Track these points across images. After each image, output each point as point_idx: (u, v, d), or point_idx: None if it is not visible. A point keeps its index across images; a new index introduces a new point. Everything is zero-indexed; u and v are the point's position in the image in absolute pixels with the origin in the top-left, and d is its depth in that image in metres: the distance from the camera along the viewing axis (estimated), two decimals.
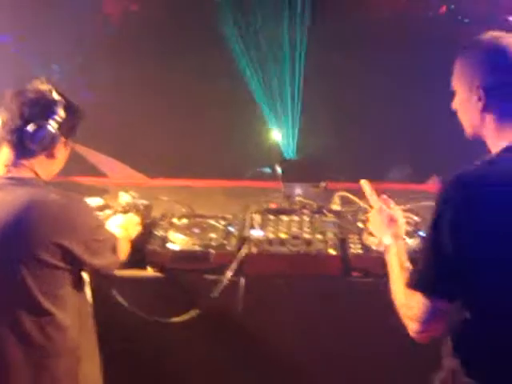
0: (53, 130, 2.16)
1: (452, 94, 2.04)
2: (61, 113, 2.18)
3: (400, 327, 1.97)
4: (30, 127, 2.13)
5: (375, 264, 2.65)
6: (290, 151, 4.74)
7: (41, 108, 2.16)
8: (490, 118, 1.90)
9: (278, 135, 4.82)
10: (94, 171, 4.49)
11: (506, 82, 1.86)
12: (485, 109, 1.89)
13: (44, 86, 2.21)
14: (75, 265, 2.18)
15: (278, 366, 2.83)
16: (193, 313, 2.65)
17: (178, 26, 5.15)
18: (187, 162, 4.48)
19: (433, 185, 3.00)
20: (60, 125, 2.18)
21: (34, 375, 2.15)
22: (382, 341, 2.70)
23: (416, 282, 1.87)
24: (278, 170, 3.43)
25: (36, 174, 2.20)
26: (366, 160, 4.99)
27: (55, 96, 2.19)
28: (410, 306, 1.87)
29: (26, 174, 2.17)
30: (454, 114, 2.05)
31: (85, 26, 5.03)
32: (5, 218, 2.05)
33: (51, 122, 2.16)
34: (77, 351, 2.25)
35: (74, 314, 2.23)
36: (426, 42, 5.31)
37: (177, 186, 3.81)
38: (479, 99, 1.89)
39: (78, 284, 2.27)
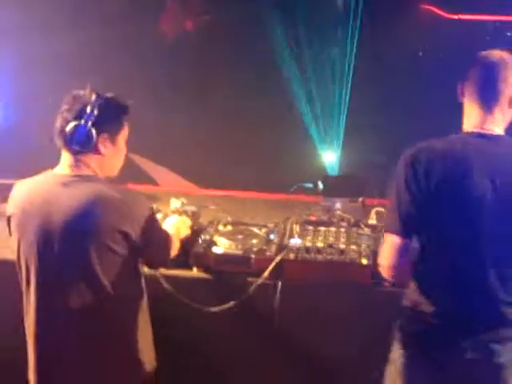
0: (86, 128, 2.35)
1: None
2: (94, 111, 2.36)
3: None
4: (67, 129, 2.36)
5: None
6: (332, 168, 4.91)
7: (75, 110, 2.37)
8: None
9: (323, 153, 4.99)
10: (147, 179, 4.73)
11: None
12: None
13: (83, 92, 2.42)
14: (133, 252, 2.40)
15: (304, 365, 3.01)
16: (230, 304, 2.86)
17: (231, 42, 5.31)
18: (236, 175, 4.68)
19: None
20: (95, 122, 2.35)
21: (94, 348, 2.40)
22: None
23: (385, 226, 2.44)
24: (320, 185, 3.63)
25: (94, 171, 2.43)
26: None
27: (92, 97, 2.38)
28: (382, 249, 2.41)
29: (86, 171, 2.41)
30: None
31: (141, 44, 5.21)
32: (73, 210, 2.30)
33: (84, 120, 2.35)
34: (130, 330, 2.48)
35: (130, 298, 2.48)
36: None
37: (224, 196, 4.01)
38: None
39: (135, 271, 2.50)
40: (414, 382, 2.46)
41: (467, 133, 2.40)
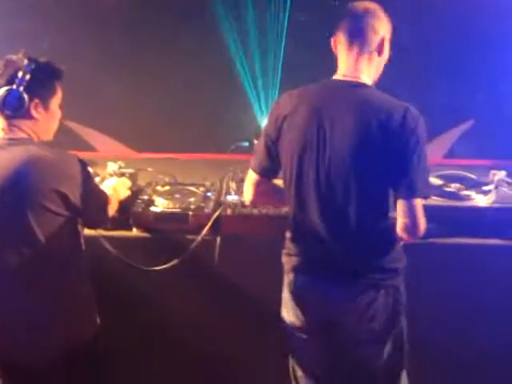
0: (17, 93, 2.38)
1: None
2: (26, 76, 2.38)
3: None
4: None
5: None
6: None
7: (7, 75, 2.40)
8: None
9: (257, 110, 5.03)
10: (84, 146, 4.72)
11: None
12: None
13: (15, 56, 2.44)
14: (72, 212, 2.44)
15: (248, 317, 3.13)
16: (173, 263, 2.94)
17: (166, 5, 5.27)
18: (172, 138, 4.71)
19: None
20: (26, 87, 2.38)
21: (36, 305, 2.44)
22: None
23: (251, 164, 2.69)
24: (255, 143, 3.70)
25: (28, 134, 2.46)
26: None
27: (25, 62, 2.40)
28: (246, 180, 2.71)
29: (20, 135, 2.44)
30: None
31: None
32: (7, 171, 2.33)
33: (15, 85, 2.38)
34: (74, 291, 2.54)
35: (72, 258, 2.53)
36: None
37: (162, 159, 4.06)
38: None
39: (75, 231, 2.55)
40: (288, 304, 2.68)
41: (330, 79, 2.56)
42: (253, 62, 5.12)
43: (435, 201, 3.07)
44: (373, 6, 2.51)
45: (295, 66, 5.16)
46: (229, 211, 3.02)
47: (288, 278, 2.66)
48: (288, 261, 2.66)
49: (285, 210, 2.99)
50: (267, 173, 2.64)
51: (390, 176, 2.39)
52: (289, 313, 2.68)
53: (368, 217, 2.46)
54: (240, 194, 3.15)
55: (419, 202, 2.39)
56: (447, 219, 3.03)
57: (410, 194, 2.38)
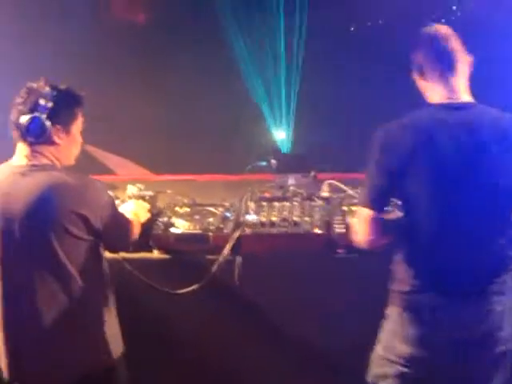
0: (40, 120, 2.44)
1: None
2: (48, 104, 2.45)
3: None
4: (22, 121, 2.45)
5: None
6: (284, 146, 5.02)
7: (30, 103, 2.46)
8: None
9: (275, 131, 5.08)
10: (103, 169, 4.78)
11: None
12: None
13: (36, 84, 2.50)
14: (93, 236, 2.48)
15: (269, 333, 3.13)
16: (195, 286, 2.95)
17: (180, 27, 5.33)
18: (190, 160, 4.75)
19: None
20: (49, 114, 2.45)
21: (60, 330, 2.46)
22: (365, 310, 3.00)
23: (358, 201, 2.62)
24: (273, 163, 3.73)
25: (51, 160, 2.51)
26: (351, 153, 5.29)
27: (46, 89, 2.47)
28: (357, 222, 2.55)
29: (42, 161, 2.49)
30: None
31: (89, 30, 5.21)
32: (31, 197, 2.38)
33: (38, 113, 2.44)
34: (99, 316, 2.56)
35: (96, 282, 2.56)
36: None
37: (180, 181, 4.09)
38: None
39: (98, 256, 2.58)
40: (408, 337, 2.58)
41: (434, 105, 2.52)
42: (269, 86, 5.19)
43: None
44: (443, 28, 2.56)
45: (310, 90, 5.22)
46: (248, 231, 3.04)
47: (407, 304, 2.60)
48: (408, 284, 2.58)
49: (305, 228, 3.02)
50: (382, 207, 2.53)
51: None
52: (402, 344, 2.60)
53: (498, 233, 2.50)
54: (259, 214, 3.17)
55: None
56: None
57: None
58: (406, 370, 2.62)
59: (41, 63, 4.68)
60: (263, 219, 3.13)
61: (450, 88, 2.50)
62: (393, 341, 2.64)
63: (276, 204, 3.33)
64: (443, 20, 5.84)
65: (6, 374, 2.58)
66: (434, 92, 2.55)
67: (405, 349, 2.59)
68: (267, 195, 3.49)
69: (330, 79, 5.31)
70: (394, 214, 2.63)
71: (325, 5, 5.51)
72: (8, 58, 5.16)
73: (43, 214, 2.38)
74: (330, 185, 3.59)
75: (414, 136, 2.44)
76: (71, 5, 5.38)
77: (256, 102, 5.11)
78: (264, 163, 3.79)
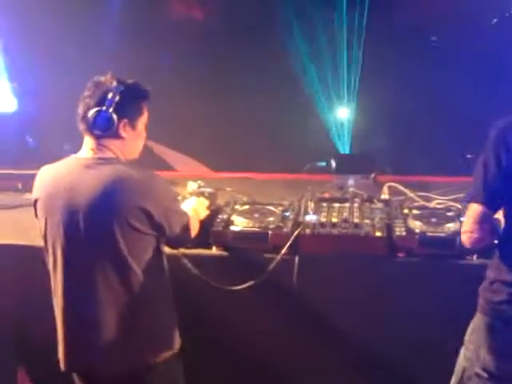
0: (107, 114, 2.47)
1: None
2: (116, 97, 2.47)
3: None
4: (89, 114, 2.48)
5: (418, 245, 2.93)
6: (344, 147, 5.00)
7: (97, 96, 2.49)
8: None
9: (334, 132, 5.06)
10: (164, 166, 4.82)
11: None
12: None
13: (104, 78, 2.54)
14: (155, 231, 2.51)
15: (328, 339, 3.11)
16: (252, 283, 2.94)
17: (241, 27, 5.36)
18: (250, 158, 4.76)
19: None
20: (115, 108, 2.47)
21: (118, 323, 2.50)
22: (425, 315, 2.97)
23: (469, 196, 2.50)
24: (333, 164, 3.72)
25: (115, 154, 2.54)
26: (412, 156, 5.26)
27: (113, 83, 2.50)
28: (466, 217, 2.53)
29: (108, 154, 2.53)
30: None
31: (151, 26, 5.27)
32: (96, 190, 2.42)
33: (105, 106, 2.47)
34: (157, 310, 2.59)
35: (156, 277, 2.58)
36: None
37: (239, 179, 4.10)
38: None
39: (158, 249, 2.59)
40: (497, 348, 2.54)
41: None
42: (328, 85, 5.17)
43: None
44: None
45: (370, 86, 5.18)
46: (307, 231, 3.02)
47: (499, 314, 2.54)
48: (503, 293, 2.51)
49: (366, 230, 2.99)
50: (495, 206, 2.48)
51: None
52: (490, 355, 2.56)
53: None
54: (318, 214, 3.15)
55: None
56: None
57: None
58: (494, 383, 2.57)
59: (100, 61, 4.76)
60: (323, 220, 3.10)
61: None
62: (480, 351, 2.58)
63: (335, 205, 3.31)
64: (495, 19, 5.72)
65: (62, 365, 2.63)
66: None
67: (496, 361, 2.53)
68: (327, 196, 3.47)
69: (393, 81, 5.26)
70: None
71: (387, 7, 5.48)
72: (67, 59, 5.26)
73: (107, 208, 2.41)
74: (390, 187, 3.56)
75: None
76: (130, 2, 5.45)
77: (318, 103, 5.09)
78: (323, 164, 3.77)
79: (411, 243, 2.95)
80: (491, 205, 2.45)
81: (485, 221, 2.46)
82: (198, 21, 5.79)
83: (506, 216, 2.52)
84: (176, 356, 2.68)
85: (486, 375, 2.57)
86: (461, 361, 2.69)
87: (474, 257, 2.94)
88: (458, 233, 2.90)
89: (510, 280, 2.48)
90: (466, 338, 2.67)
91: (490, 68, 5.41)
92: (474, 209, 2.47)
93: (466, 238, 2.55)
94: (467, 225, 2.52)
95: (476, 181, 2.49)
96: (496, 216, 2.54)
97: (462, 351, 2.69)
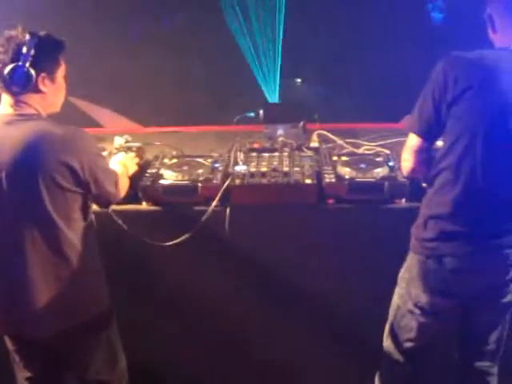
0: (24, 68, 2.37)
1: None
2: (31, 51, 2.38)
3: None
4: (6, 71, 2.37)
5: (347, 191, 2.96)
6: (272, 96, 4.97)
7: (12, 51, 2.38)
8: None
9: (262, 82, 5.02)
10: (90, 122, 4.72)
11: None
12: None
13: (15, 31, 2.42)
14: (81, 187, 2.45)
15: (259, 283, 3.15)
16: (185, 237, 2.94)
17: None
18: (178, 112, 4.71)
19: (405, 123, 3.26)
20: (32, 62, 2.38)
21: (46, 281, 2.46)
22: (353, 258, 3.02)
23: (409, 126, 2.58)
24: (261, 114, 3.69)
25: (36, 110, 2.46)
26: (341, 103, 5.29)
27: (26, 37, 2.39)
28: (404, 146, 2.62)
29: (28, 110, 2.44)
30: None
31: None
32: (18, 147, 2.34)
33: (21, 62, 2.37)
34: (85, 267, 2.54)
35: (82, 234, 2.53)
36: None
37: (168, 133, 4.04)
38: None
39: (86, 208, 2.55)
40: (429, 285, 2.62)
41: (499, 48, 2.52)
42: (254, 34, 5.11)
43: None
44: None
45: (295, 34, 5.15)
46: (237, 181, 3.01)
47: (432, 252, 2.60)
48: (435, 231, 2.57)
49: (295, 178, 3.00)
50: (432, 137, 2.55)
51: None
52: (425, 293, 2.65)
53: None
54: (248, 165, 3.14)
55: None
56: None
57: None
58: (427, 319, 2.66)
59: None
60: (253, 170, 3.10)
61: None
62: (412, 289, 2.66)
63: (265, 155, 3.30)
64: None
65: None
66: (499, 38, 2.53)
67: (428, 297, 2.62)
68: (256, 146, 3.46)
69: (321, 27, 5.24)
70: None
71: None
72: None
73: (30, 165, 2.34)
74: (320, 135, 3.57)
75: (477, 73, 2.39)
76: None
77: (243, 53, 5.03)
78: (252, 114, 3.74)
79: (341, 190, 2.98)
80: (426, 136, 2.53)
81: (419, 151, 2.55)
82: None
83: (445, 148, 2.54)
84: (107, 315, 2.67)
85: (418, 311, 2.67)
86: (395, 299, 2.78)
87: (403, 200, 2.98)
88: (386, 178, 2.96)
89: (442, 215, 2.54)
90: (400, 276, 2.75)
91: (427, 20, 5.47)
92: (411, 138, 2.57)
93: (402, 166, 2.69)
94: (404, 153, 2.64)
95: (415, 112, 2.56)
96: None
97: (396, 290, 2.77)
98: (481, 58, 2.43)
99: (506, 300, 2.65)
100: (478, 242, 2.52)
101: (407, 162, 2.61)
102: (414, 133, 2.55)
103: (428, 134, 2.53)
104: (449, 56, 2.47)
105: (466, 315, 2.71)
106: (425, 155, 2.57)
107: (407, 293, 2.70)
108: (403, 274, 2.74)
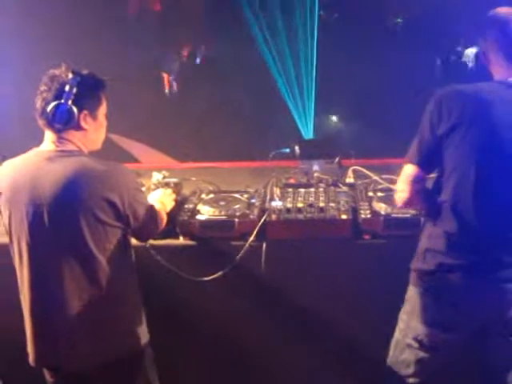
0: (67, 106, 2.44)
1: None
2: (73, 89, 2.45)
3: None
4: (48, 109, 2.45)
5: (383, 226, 2.96)
6: (307, 132, 5.01)
7: (55, 90, 2.46)
8: None
9: (297, 118, 5.07)
10: (128, 158, 4.79)
11: None
12: None
13: (59, 70, 2.50)
14: (121, 222, 2.50)
15: (299, 323, 3.12)
16: (221, 273, 2.96)
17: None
18: (214, 148, 4.76)
19: None
20: (74, 99, 2.45)
21: (85, 315, 2.49)
22: (392, 296, 3.00)
23: (407, 156, 2.58)
24: (297, 149, 3.72)
25: (78, 146, 2.52)
26: (375, 138, 5.29)
27: (69, 75, 2.47)
28: (400, 177, 2.59)
29: (70, 147, 2.50)
30: None
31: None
32: (59, 183, 2.39)
33: (64, 99, 2.44)
34: (123, 300, 2.58)
35: (121, 267, 2.57)
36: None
37: (205, 168, 4.09)
38: None
39: (125, 242, 2.59)
40: (428, 318, 2.61)
41: (496, 81, 2.55)
42: (288, 70, 5.18)
43: None
44: None
45: (328, 69, 5.20)
46: (274, 217, 3.03)
47: (429, 284, 2.61)
48: (432, 264, 2.59)
49: (331, 214, 3.01)
50: (429, 167, 2.57)
51: None
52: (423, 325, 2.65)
53: None
54: (284, 200, 3.16)
55: None
56: None
57: None
58: (425, 354, 2.63)
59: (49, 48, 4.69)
60: (289, 205, 3.12)
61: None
62: (412, 322, 2.65)
63: (301, 190, 3.33)
64: None
65: (31, 360, 2.61)
66: (496, 71, 2.56)
67: (426, 330, 2.61)
68: (292, 181, 3.49)
69: (355, 64, 5.29)
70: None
71: None
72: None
73: (71, 200, 2.39)
74: (355, 170, 3.58)
75: (471, 106, 2.44)
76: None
77: (278, 90, 5.09)
78: (287, 150, 3.77)
79: (376, 225, 2.98)
80: (424, 166, 2.54)
81: (416, 182, 2.54)
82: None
83: (438, 183, 2.58)
84: (144, 349, 2.68)
85: (416, 345, 2.65)
86: (396, 334, 2.77)
87: None
88: (421, 213, 2.95)
89: (440, 248, 2.54)
90: (401, 311, 2.73)
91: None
92: (407, 169, 2.56)
93: (397, 197, 2.65)
94: (399, 184, 2.62)
95: (413, 144, 2.58)
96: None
97: (398, 325, 2.76)
98: (476, 90, 2.47)
99: None
100: (476, 275, 2.51)
101: (404, 192, 2.58)
102: (412, 163, 2.55)
103: (424, 164, 2.54)
104: (445, 89, 2.52)
105: (478, 352, 2.67)
106: (421, 185, 2.57)
107: (407, 326, 2.69)
108: (404, 307, 2.73)
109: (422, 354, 2.66)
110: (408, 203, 2.63)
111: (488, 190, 2.44)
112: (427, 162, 2.55)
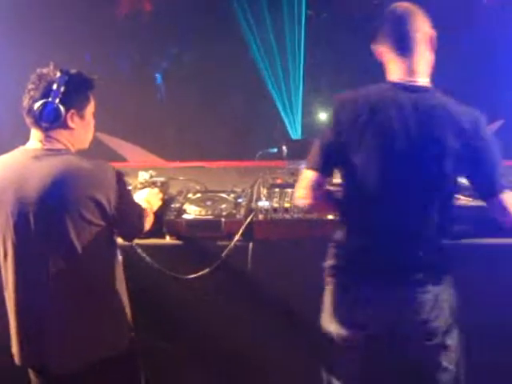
0: (54, 105, 2.43)
1: None
2: (61, 88, 2.44)
3: None
4: (35, 107, 2.44)
5: (317, 208, 2.93)
6: (294, 132, 5.02)
7: (42, 88, 2.45)
8: None
9: (284, 118, 5.07)
10: (115, 156, 4.78)
11: None
12: None
13: (47, 69, 2.49)
14: (107, 221, 2.48)
15: (280, 319, 3.13)
16: (206, 271, 2.97)
17: (190, 17, 5.34)
18: (201, 147, 4.76)
19: None
20: (62, 98, 2.44)
21: (70, 314, 2.49)
22: None
23: (306, 163, 2.58)
24: (284, 149, 3.73)
25: (65, 145, 2.51)
26: None
27: (57, 74, 2.46)
28: (299, 183, 2.57)
29: (57, 145, 2.49)
30: None
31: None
32: (45, 181, 2.38)
33: (51, 98, 2.43)
34: (111, 299, 2.58)
35: (108, 267, 2.56)
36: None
37: (192, 167, 4.09)
38: None
39: (111, 242, 2.58)
40: (336, 312, 2.62)
41: (393, 83, 2.49)
42: (276, 70, 5.19)
43: (465, 201, 3.05)
44: (411, 6, 2.50)
45: (316, 67, 5.22)
46: (261, 217, 3.04)
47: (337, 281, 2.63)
48: (338, 261, 2.62)
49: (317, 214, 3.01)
50: (328, 172, 2.57)
51: None
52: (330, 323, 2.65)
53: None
54: (271, 200, 3.16)
55: None
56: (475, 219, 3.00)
57: None
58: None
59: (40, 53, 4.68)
60: (276, 205, 3.12)
61: (407, 69, 2.46)
62: (324, 322, 2.68)
63: (288, 190, 3.32)
64: None
65: (17, 359, 2.60)
66: (392, 70, 2.52)
67: (333, 328, 2.62)
68: (279, 181, 3.49)
69: (340, 64, 5.31)
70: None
71: None
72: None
73: (57, 199, 2.38)
74: None
75: (365, 111, 2.42)
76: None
77: (266, 89, 5.10)
78: (275, 150, 3.78)
79: None
80: (323, 170, 2.53)
81: (316, 186, 2.53)
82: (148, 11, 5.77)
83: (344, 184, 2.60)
84: (131, 347, 2.67)
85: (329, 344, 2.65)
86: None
87: None
88: None
89: (338, 240, 2.59)
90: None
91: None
92: (307, 175, 2.55)
93: (300, 204, 2.70)
94: (299, 191, 2.58)
95: (313, 149, 2.57)
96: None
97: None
98: (367, 94, 2.47)
99: (434, 342, 2.55)
100: (380, 281, 2.52)
101: (306, 199, 2.56)
102: (312, 168, 2.54)
103: (323, 169, 2.53)
104: (340, 95, 2.53)
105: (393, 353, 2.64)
106: (322, 191, 2.56)
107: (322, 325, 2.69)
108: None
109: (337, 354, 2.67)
110: (312, 209, 2.73)
111: (392, 191, 2.45)
112: (326, 167, 2.54)
